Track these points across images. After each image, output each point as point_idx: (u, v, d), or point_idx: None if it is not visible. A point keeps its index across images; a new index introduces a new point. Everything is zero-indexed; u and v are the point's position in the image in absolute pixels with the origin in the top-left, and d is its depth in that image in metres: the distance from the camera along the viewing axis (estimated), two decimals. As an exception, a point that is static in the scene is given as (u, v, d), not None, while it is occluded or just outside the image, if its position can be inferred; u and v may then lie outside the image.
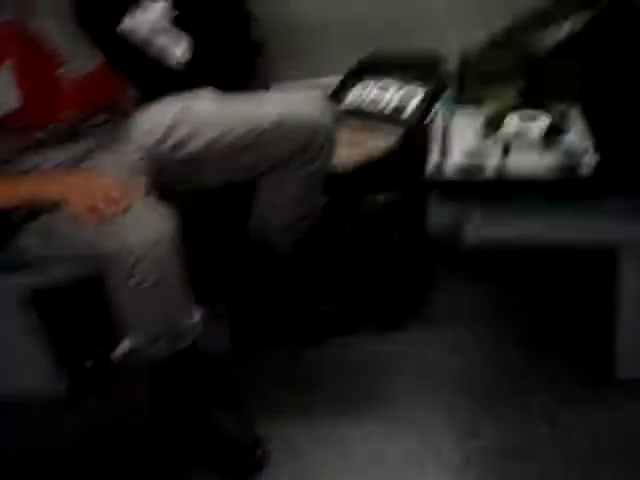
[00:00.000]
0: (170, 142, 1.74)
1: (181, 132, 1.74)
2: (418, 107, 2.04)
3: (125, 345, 1.61)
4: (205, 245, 1.91)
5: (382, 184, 1.94)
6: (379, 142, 1.96)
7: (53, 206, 1.55)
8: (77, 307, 1.92)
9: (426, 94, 2.07)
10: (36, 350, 1.85)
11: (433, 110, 1.99)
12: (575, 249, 1.51)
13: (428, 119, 1.98)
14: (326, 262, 1.97)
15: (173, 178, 1.71)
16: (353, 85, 2.19)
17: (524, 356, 1.76)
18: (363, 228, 1.94)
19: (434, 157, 1.54)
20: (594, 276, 1.75)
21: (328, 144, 1.75)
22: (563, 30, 1.75)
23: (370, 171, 1.93)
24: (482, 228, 1.47)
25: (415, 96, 2.08)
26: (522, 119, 1.62)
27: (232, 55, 2.17)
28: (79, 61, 1.66)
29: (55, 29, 1.63)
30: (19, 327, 1.83)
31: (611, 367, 1.61)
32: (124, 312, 1.55)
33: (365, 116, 2.06)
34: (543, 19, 1.85)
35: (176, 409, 1.69)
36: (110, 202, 1.47)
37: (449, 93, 1.90)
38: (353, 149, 1.95)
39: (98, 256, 1.48)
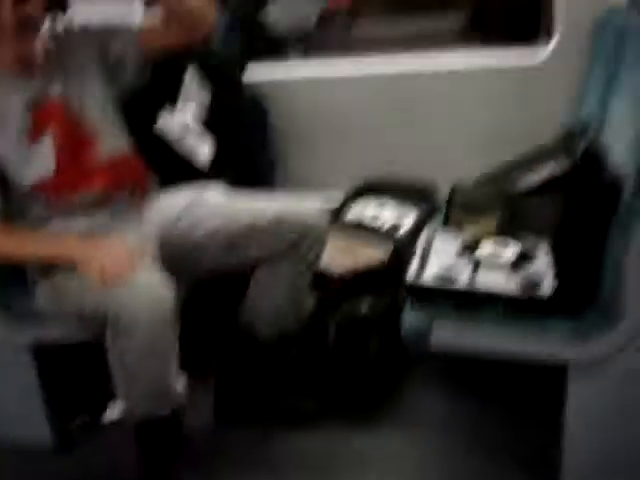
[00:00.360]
0: (179, 227, 1.93)
1: (189, 219, 1.94)
2: (410, 227, 2.26)
3: (115, 409, 1.74)
4: (198, 322, 2.05)
5: (368, 291, 2.12)
6: (371, 253, 2.17)
7: (70, 265, 1.72)
8: (74, 365, 2.07)
9: (418, 217, 2.30)
10: (31, 401, 1.97)
11: (423, 231, 2.20)
12: (530, 362, 1.67)
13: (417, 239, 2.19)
14: (307, 357, 2.13)
15: (176, 260, 1.86)
16: (354, 202, 2.43)
17: (477, 466, 1.87)
18: (345, 329, 2.10)
19: (413, 267, 1.74)
20: (546, 389, 1.87)
21: (318, 245, 1.94)
22: (541, 174, 1.99)
23: (359, 278, 2.12)
24: (448, 333, 1.65)
25: (408, 217, 2.31)
26: (496, 244, 1.82)
27: (250, 157, 2.41)
28: (112, 143, 1.87)
29: (97, 112, 1.85)
30: (18, 377, 1.96)
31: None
32: (116, 371, 1.69)
33: (362, 230, 2.28)
34: (526, 164, 2.09)
35: (153, 469, 1.81)
36: (120, 267, 1.64)
37: (437, 217, 2.13)
38: (346, 257, 2.16)
39: (101, 315, 1.64)
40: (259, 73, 2.54)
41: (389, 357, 2.12)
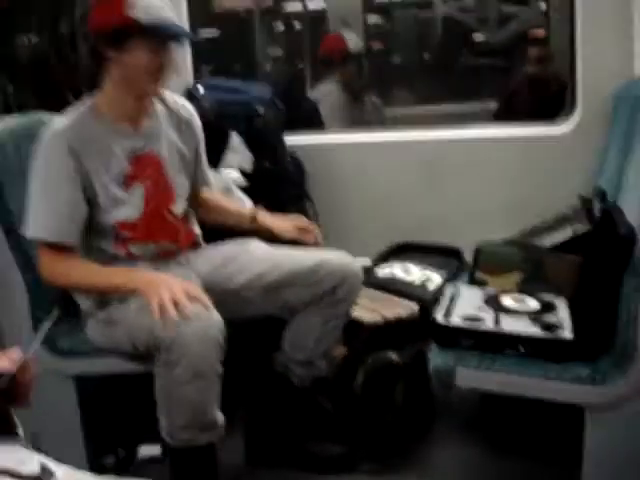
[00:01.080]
0: (223, 273, 2.07)
1: (233, 266, 2.08)
2: (438, 285, 2.39)
3: (153, 449, 1.84)
4: (234, 363, 2.16)
5: (397, 342, 2.24)
6: (401, 307, 2.30)
7: (131, 294, 1.86)
8: (113, 399, 2.18)
9: (446, 276, 2.43)
10: (71, 434, 2.06)
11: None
12: (549, 403, 1.77)
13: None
14: (337, 403, 2.23)
15: (218, 304, 1.92)
16: (386, 261, 2.57)
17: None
18: (373, 376, 2.21)
19: (441, 311, 1.87)
20: (566, 429, 1.94)
21: (354, 291, 2.07)
22: (560, 237, 2.13)
23: (388, 329, 2.24)
24: (472, 372, 1.76)
25: (436, 276, 2.44)
26: (516, 300, 1.95)
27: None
28: (182, 204, 2.08)
29: (180, 173, 2.07)
30: (60, 408, 2.06)
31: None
32: (161, 400, 1.80)
33: (393, 285, 2.41)
34: (546, 228, 2.23)
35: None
36: (179, 298, 1.75)
37: (463, 276, 2.26)
38: (377, 309, 2.28)
39: (152, 345, 1.77)
40: (299, 139, 2.73)
41: (416, 405, 2.21)
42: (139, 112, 1.98)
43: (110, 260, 1.95)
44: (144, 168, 1.98)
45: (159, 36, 1.86)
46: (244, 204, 2.43)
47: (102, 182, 1.91)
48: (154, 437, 1.90)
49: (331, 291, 2.03)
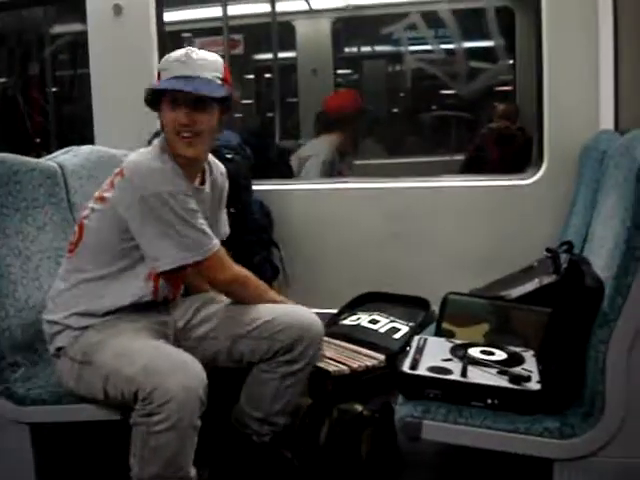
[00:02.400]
0: (192, 322, 2.09)
1: (201, 314, 2.09)
2: (404, 334, 2.37)
3: None
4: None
5: (363, 392, 2.20)
6: (367, 356, 2.27)
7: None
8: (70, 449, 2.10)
9: (413, 326, 2.41)
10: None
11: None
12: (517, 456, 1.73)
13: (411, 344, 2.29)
14: (302, 455, 2.17)
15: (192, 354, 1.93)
16: (352, 310, 2.54)
17: None
18: (339, 428, 2.16)
19: (407, 361, 1.83)
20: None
21: (313, 349, 2.03)
22: (527, 288, 2.12)
23: (354, 379, 2.21)
24: (439, 424, 1.72)
25: (403, 325, 2.42)
26: (484, 352, 1.92)
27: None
28: None
29: None
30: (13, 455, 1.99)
31: None
32: (136, 448, 1.76)
33: (359, 334, 2.38)
34: (513, 280, 2.22)
35: None
36: None
37: (430, 326, 2.24)
38: (342, 359, 2.25)
39: (129, 391, 1.74)
40: (267, 186, 2.73)
41: (381, 457, 2.16)
42: (195, 171, 2.01)
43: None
44: None
45: (172, 95, 1.89)
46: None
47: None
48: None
49: (289, 347, 2.01)
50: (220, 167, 2.17)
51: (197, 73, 1.89)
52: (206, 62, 1.92)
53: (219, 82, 1.92)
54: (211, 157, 2.12)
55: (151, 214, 1.85)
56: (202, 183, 2.05)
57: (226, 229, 2.25)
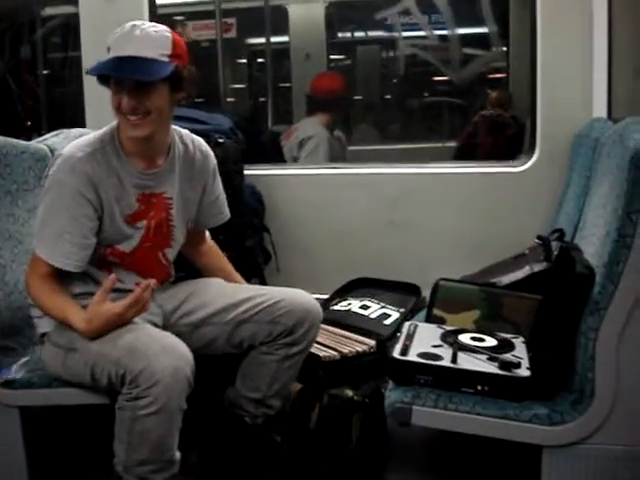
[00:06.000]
0: (184, 309, 2.07)
1: (194, 302, 2.07)
2: (395, 319, 2.37)
3: None
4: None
5: (354, 377, 2.20)
6: (358, 342, 2.27)
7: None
8: (60, 433, 2.10)
9: (403, 311, 2.41)
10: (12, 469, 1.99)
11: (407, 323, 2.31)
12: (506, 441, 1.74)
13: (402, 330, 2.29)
14: (292, 440, 2.18)
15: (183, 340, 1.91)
16: (343, 296, 2.54)
17: None
18: (329, 413, 2.16)
19: (398, 347, 1.84)
20: (524, 468, 1.90)
21: (313, 331, 2.04)
22: (518, 275, 2.12)
23: (345, 364, 2.21)
24: (429, 409, 1.73)
25: (394, 311, 2.42)
26: (474, 338, 1.93)
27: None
28: (177, 250, 2.09)
29: (179, 225, 2.05)
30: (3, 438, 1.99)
31: None
32: (121, 433, 1.75)
33: (350, 319, 2.38)
34: (505, 266, 2.22)
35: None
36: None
37: (421, 312, 2.24)
38: (334, 344, 2.25)
39: (117, 374, 1.73)
40: (259, 171, 2.72)
41: (371, 442, 2.17)
42: (152, 151, 1.95)
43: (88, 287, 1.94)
44: (150, 208, 1.97)
45: (114, 78, 1.83)
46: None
47: (111, 215, 1.90)
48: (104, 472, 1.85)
49: (289, 330, 2.01)
50: (201, 145, 2.10)
51: (140, 53, 1.78)
52: (150, 39, 1.80)
53: (165, 59, 1.82)
54: (190, 135, 2.08)
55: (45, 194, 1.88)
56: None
57: (225, 212, 2.21)
